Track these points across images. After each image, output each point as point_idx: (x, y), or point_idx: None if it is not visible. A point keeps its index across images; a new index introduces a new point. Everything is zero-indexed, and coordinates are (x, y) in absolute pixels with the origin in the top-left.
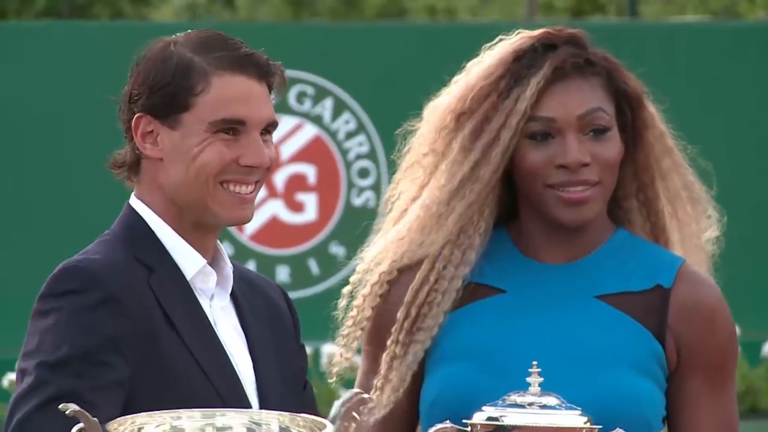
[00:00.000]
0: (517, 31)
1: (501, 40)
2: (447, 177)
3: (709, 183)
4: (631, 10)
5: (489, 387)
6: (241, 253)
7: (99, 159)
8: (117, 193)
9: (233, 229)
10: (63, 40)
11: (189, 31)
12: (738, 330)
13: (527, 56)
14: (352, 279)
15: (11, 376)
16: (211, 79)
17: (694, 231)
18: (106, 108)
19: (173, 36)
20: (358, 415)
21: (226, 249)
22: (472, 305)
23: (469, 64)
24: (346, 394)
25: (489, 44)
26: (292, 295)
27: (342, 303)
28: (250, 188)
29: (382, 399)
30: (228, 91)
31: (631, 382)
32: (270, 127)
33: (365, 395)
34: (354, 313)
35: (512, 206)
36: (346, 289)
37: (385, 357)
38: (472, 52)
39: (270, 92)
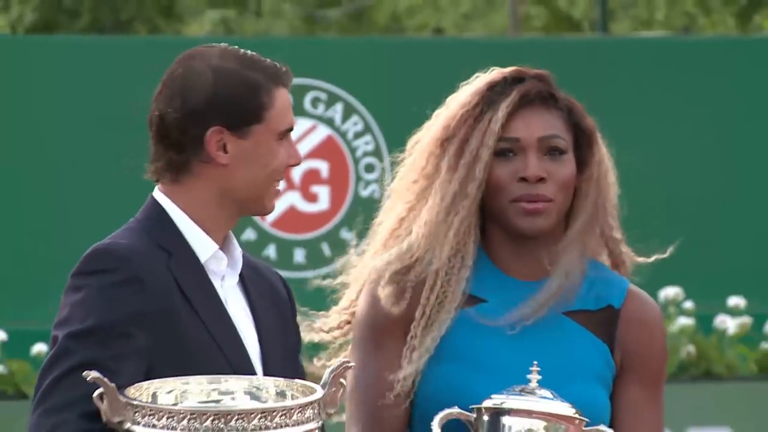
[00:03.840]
0: (491, 69)
1: (477, 77)
2: (440, 196)
3: (681, 190)
4: (603, 27)
5: (477, 386)
6: (263, 239)
7: (136, 166)
8: (138, 192)
9: (256, 217)
10: (107, 54)
11: (213, 49)
12: (692, 304)
13: (498, 85)
14: (351, 274)
15: (40, 346)
16: (273, 93)
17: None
18: (145, 120)
19: (205, 56)
20: (345, 381)
21: (249, 235)
22: (462, 311)
23: (449, 99)
24: (334, 364)
25: (466, 81)
26: (307, 273)
27: (336, 280)
28: (283, 183)
29: (407, 383)
30: (283, 103)
31: (597, 394)
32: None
33: (350, 364)
34: (346, 304)
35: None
36: (340, 279)
37: (405, 351)
38: (459, 64)
39: None
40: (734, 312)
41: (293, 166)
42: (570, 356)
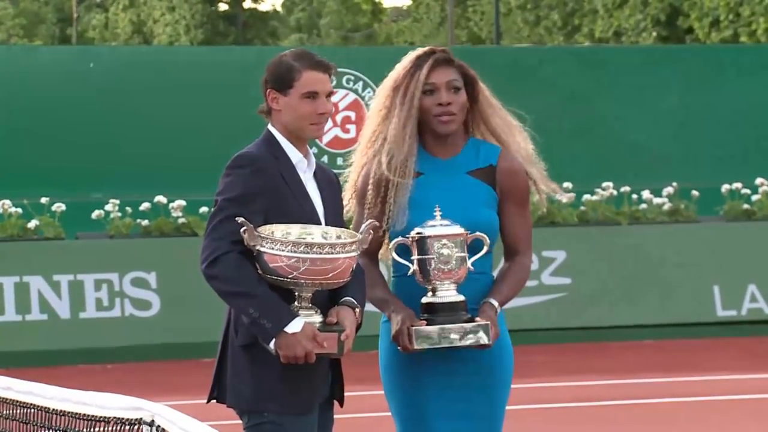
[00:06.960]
0: (419, 47)
1: (409, 53)
2: (398, 117)
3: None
4: (497, 41)
5: (422, 220)
6: (321, 152)
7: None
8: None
9: (317, 142)
10: (240, 57)
11: (292, 50)
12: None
13: (421, 57)
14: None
15: (204, 208)
16: (302, 72)
17: (514, 139)
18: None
19: (284, 54)
20: (373, 231)
21: (314, 150)
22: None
23: (396, 66)
24: (366, 222)
25: (409, 52)
26: (343, 171)
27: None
28: (322, 124)
29: (389, 225)
30: (308, 78)
31: (491, 213)
32: (330, 95)
33: (376, 223)
34: (350, 184)
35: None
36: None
37: (389, 206)
38: None
39: (330, 77)
40: (566, 190)
41: (323, 113)
42: (475, 195)
